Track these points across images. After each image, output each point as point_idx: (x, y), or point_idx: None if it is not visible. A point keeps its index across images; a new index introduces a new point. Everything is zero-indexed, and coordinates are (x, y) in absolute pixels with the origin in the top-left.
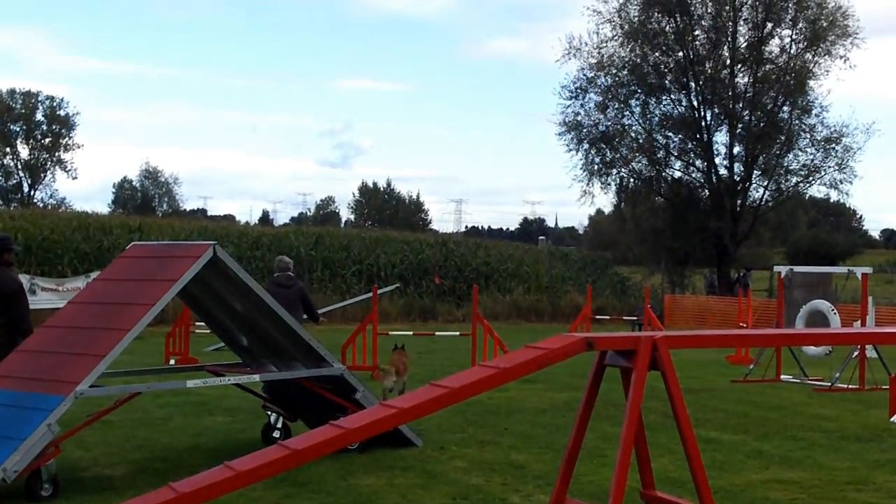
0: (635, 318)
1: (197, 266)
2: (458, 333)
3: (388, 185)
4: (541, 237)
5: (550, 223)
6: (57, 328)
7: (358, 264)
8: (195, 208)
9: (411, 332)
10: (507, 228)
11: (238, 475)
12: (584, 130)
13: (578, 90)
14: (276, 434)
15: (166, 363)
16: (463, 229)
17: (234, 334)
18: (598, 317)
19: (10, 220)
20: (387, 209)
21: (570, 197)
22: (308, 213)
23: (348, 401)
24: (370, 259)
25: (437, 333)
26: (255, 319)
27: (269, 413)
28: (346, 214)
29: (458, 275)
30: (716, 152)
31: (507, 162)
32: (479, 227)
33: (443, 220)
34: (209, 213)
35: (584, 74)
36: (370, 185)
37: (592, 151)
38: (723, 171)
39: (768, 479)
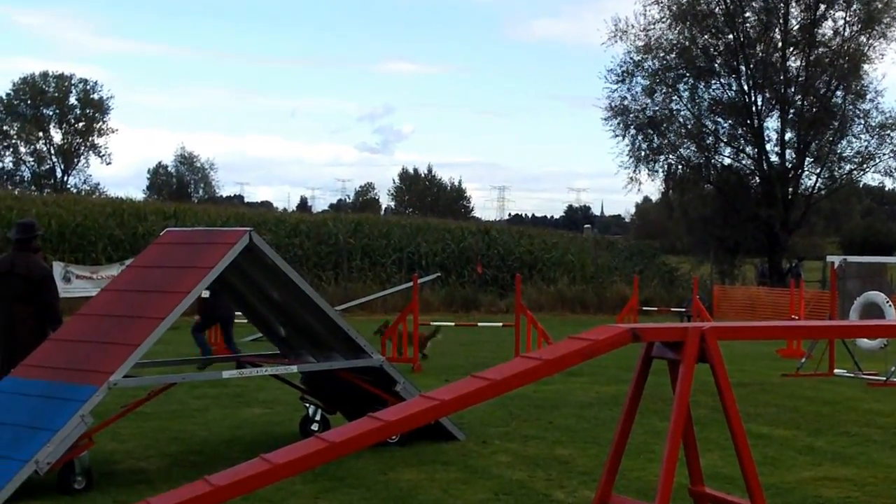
0: (683, 309)
1: (233, 253)
2: (500, 324)
3: (430, 171)
4: (586, 225)
5: (596, 211)
6: (90, 316)
7: (398, 252)
8: (232, 195)
9: (453, 323)
10: (552, 216)
11: (275, 468)
12: (631, 115)
13: (625, 74)
14: (315, 427)
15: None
16: (506, 217)
17: (272, 324)
18: (645, 308)
19: (42, 206)
20: (428, 196)
21: (617, 184)
22: (347, 200)
23: (388, 393)
24: (411, 247)
25: (479, 324)
26: (293, 308)
27: (308, 405)
28: (386, 201)
29: (502, 264)
30: (767, 138)
31: (551, 148)
32: (523, 215)
33: (485, 207)
34: (246, 200)
35: (631, 57)
36: (411, 171)
37: (639, 137)
38: (774, 158)
39: (821, 477)
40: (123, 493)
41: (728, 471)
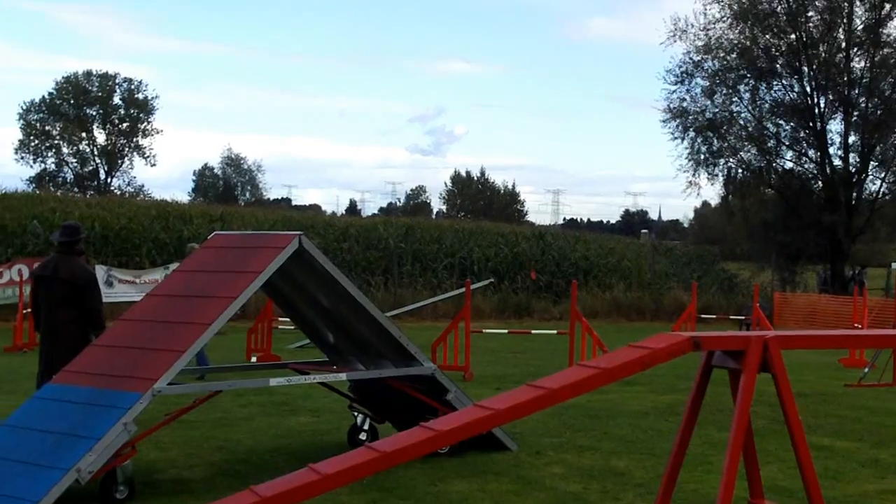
0: (743, 317)
1: (282, 258)
2: (555, 332)
3: (482, 174)
4: (643, 230)
5: (653, 216)
6: (135, 322)
7: (450, 257)
8: (279, 197)
9: (506, 331)
10: (608, 221)
11: (324, 478)
12: (690, 117)
13: (684, 74)
14: (363, 436)
15: (248, 360)
16: (561, 221)
17: (320, 330)
18: (703, 315)
19: (86, 208)
20: (480, 200)
21: (675, 188)
22: (398, 204)
23: (439, 402)
24: (463, 252)
25: (533, 331)
26: (342, 314)
27: (356, 414)
28: (437, 205)
29: (556, 270)
30: (829, 141)
31: (607, 150)
32: (578, 220)
33: (539, 211)
34: (294, 203)
35: (691, 58)
36: (463, 174)
37: (699, 140)
38: (837, 162)
39: (885, 490)
40: None
41: (788, 483)
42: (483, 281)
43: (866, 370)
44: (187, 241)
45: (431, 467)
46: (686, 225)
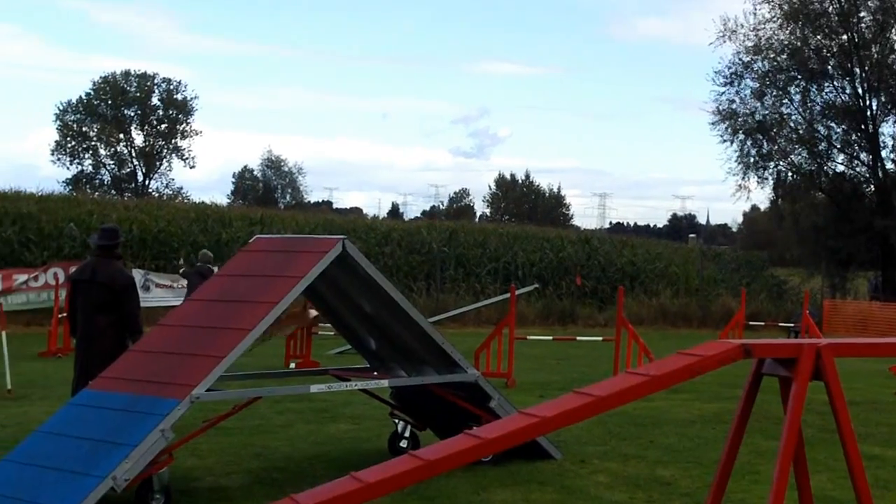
0: (792, 324)
1: (325, 262)
2: (600, 338)
3: (527, 177)
4: (691, 235)
5: (702, 220)
6: (174, 327)
7: (494, 262)
8: (320, 200)
9: (550, 337)
10: (655, 225)
11: (366, 487)
12: (740, 120)
13: (733, 76)
14: (404, 443)
15: (286, 366)
16: (607, 225)
17: (362, 336)
18: (751, 323)
19: (124, 211)
20: (525, 203)
21: (724, 191)
22: (441, 207)
23: (482, 409)
24: (507, 257)
25: (578, 338)
26: (385, 320)
27: (397, 421)
28: (481, 208)
29: (602, 275)
30: (882, 144)
31: (656, 153)
32: (625, 224)
33: (585, 215)
34: (335, 206)
35: (740, 59)
36: (507, 176)
37: (748, 142)
38: (890, 165)
39: None
40: None
41: (838, 493)
42: (528, 286)
43: None
44: (225, 244)
45: (474, 476)
46: (735, 229)
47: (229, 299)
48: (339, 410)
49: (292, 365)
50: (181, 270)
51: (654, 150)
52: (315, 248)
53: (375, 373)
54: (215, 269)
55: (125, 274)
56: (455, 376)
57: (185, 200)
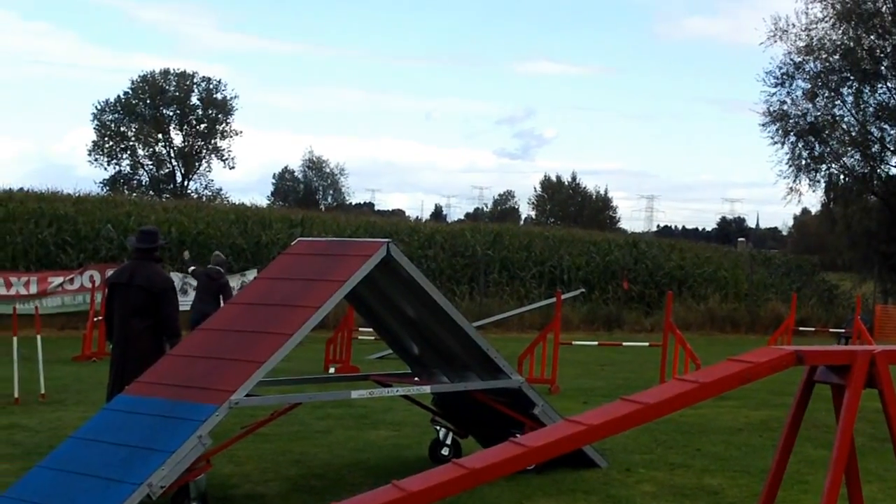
0: (843, 330)
1: (368, 266)
2: (647, 344)
3: (573, 178)
4: (740, 238)
5: (751, 223)
6: (213, 331)
7: (539, 266)
8: (361, 202)
9: (595, 343)
10: (703, 228)
11: (408, 496)
12: (791, 121)
13: (785, 76)
14: (446, 451)
15: (325, 371)
16: (654, 229)
17: (404, 341)
18: (801, 328)
19: (163, 213)
20: (571, 205)
21: (774, 195)
22: (485, 209)
23: (525, 416)
24: (552, 260)
25: (623, 344)
26: (428, 325)
27: (438, 428)
28: (526, 210)
29: (649, 279)
30: None
31: (704, 155)
32: (673, 227)
33: (632, 218)
34: (377, 208)
35: (791, 59)
36: (553, 178)
37: (800, 144)
38: None
39: None
40: None
41: None
42: (574, 291)
43: None
44: (265, 246)
45: (518, 484)
46: (785, 233)
47: (270, 303)
48: (380, 417)
49: (332, 370)
50: (191, 269)
51: (703, 152)
52: (359, 251)
53: (417, 378)
54: (223, 270)
55: (164, 277)
56: (499, 382)
57: (225, 202)
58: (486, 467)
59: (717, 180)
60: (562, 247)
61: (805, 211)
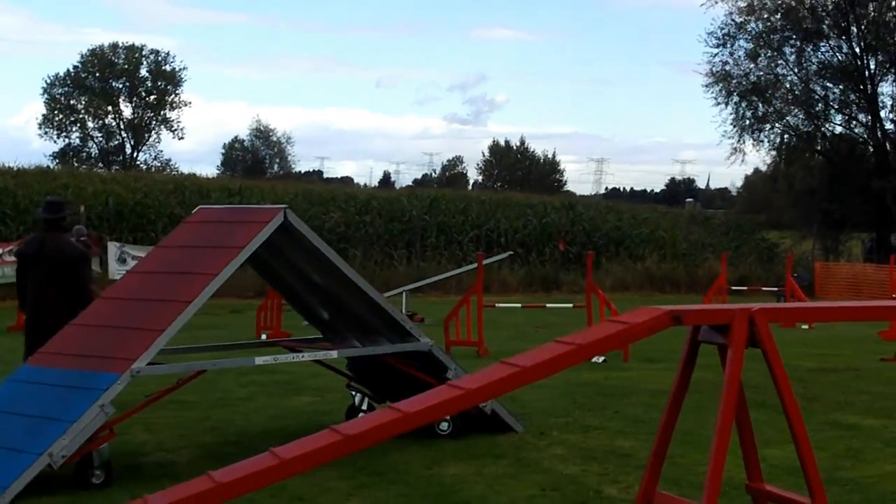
0: (777, 288)
1: (265, 233)
2: (571, 305)
3: (521, 143)
4: (688, 199)
5: (701, 184)
6: (115, 300)
7: (476, 229)
8: (311, 170)
9: (520, 305)
10: (652, 190)
11: (282, 464)
12: (734, 81)
13: (726, 37)
14: (361, 416)
15: (257, 337)
16: (603, 191)
17: (314, 307)
18: (736, 287)
19: (101, 184)
20: (518, 170)
21: (724, 155)
22: (433, 175)
23: (438, 380)
24: (489, 224)
25: (548, 305)
26: (336, 292)
27: (354, 393)
28: (474, 176)
29: (587, 241)
30: (881, 104)
31: (657, 118)
32: (621, 189)
33: (581, 181)
34: (325, 176)
35: (733, 19)
36: (502, 143)
37: (743, 105)
38: (889, 126)
39: None
40: (145, 488)
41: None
42: (501, 254)
43: None
44: None
45: (430, 450)
46: (734, 193)
47: (169, 271)
48: (305, 383)
49: (263, 336)
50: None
51: (655, 114)
52: (256, 218)
53: (329, 344)
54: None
55: (74, 246)
56: (408, 346)
57: (174, 172)
58: (361, 433)
59: (670, 142)
60: (498, 210)
61: (756, 171)
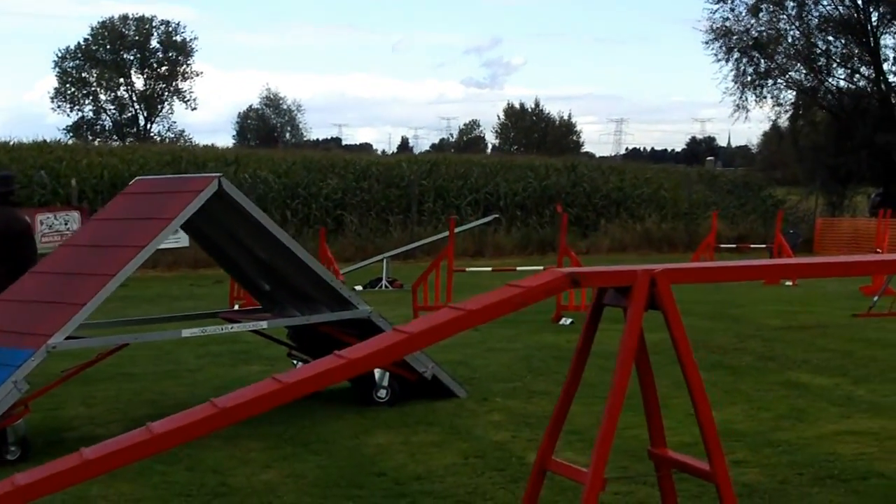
0: (764, 245)
1: (198, 202)
2: (541, 268)
3: (537, 105)
4: (709, 158)
5: (722, 142)
6: (43, 274)
7: (475, 193)
8: (329, 137)
9: (490, 269)
10: (672, 150)
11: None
12: (735, 37)
13: None
14: None
15: (231, 307)
16: (623, 152)
17: (253, 278)
18: (726, 245)
19: (96, 156)
20: (535, 132)
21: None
22: (451, 139)
23: None
24: (488, 187)
25: (518, 268)
26: (273, 260)
27: (296, 362)
28: (491, 139)
29: (587, 202)
30: (884, 57)
31: (675, 76)
32: (641, 149)
33: (601, 142)
34: (344, 143)
35: None
36: (517, 106)
37: (744, 61)
38: (892, 78)
39: (842, 431)
40: None
41: (744, 426)
42: (485, 217)
43: (876, 298)
44: None
45: (363, 419)
46: (755, 151)
47: (99, 244)
48: (258, 352)
49: (236, 306)
50: None
51: (673, 73)
52: (189, 187)
53: (269, 314)
54: None
55: (20, 220)
56: (346, 313)
57: (187, 143)
58: (237, 406)
59: (688, 101)
60: (498, 174)
61: (774, 127)
